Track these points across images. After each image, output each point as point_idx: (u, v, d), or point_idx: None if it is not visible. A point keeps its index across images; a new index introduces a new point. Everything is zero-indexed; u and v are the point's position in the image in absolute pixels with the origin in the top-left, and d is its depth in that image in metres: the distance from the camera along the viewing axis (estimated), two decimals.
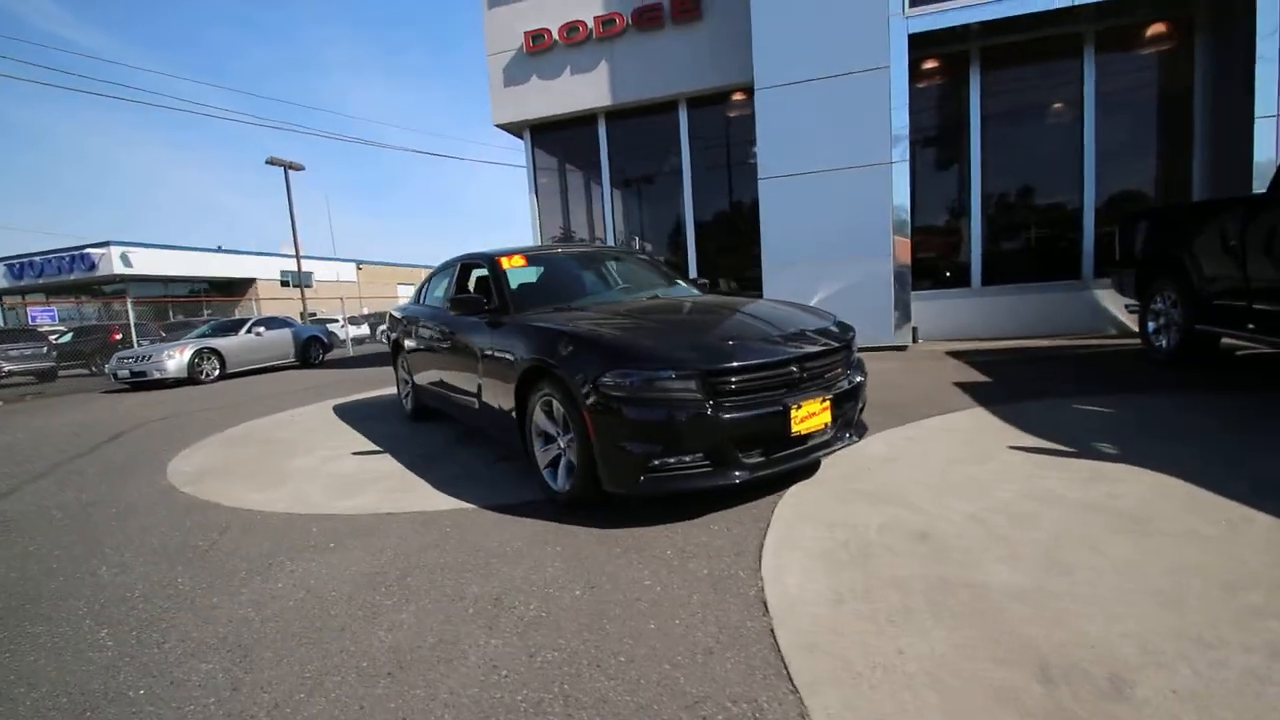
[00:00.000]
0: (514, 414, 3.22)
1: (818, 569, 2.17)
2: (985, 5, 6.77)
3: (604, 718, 1.49)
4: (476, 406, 3.73)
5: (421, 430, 4.90)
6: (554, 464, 3.01)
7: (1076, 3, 6.50)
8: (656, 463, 2.50)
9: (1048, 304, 7.45)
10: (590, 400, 2.57)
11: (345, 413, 6.06)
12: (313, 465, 4.10)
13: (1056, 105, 7.50)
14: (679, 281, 4.32)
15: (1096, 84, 7.24)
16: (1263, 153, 6.04)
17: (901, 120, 6.97)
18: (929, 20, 6.87)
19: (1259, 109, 6.02)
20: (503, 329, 3.40)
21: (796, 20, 7.13)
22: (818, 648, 1.71)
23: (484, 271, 4.07)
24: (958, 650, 1.65)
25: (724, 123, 8.66)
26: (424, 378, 4.73)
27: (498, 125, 9.09)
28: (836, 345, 2.94)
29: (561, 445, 2.94)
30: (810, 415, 2.69)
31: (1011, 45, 7.39)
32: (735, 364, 2.58)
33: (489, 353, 3.46)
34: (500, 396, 3.39)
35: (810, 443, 2.78)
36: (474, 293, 4.21)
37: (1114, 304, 7.17)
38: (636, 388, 2.51)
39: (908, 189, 7.08)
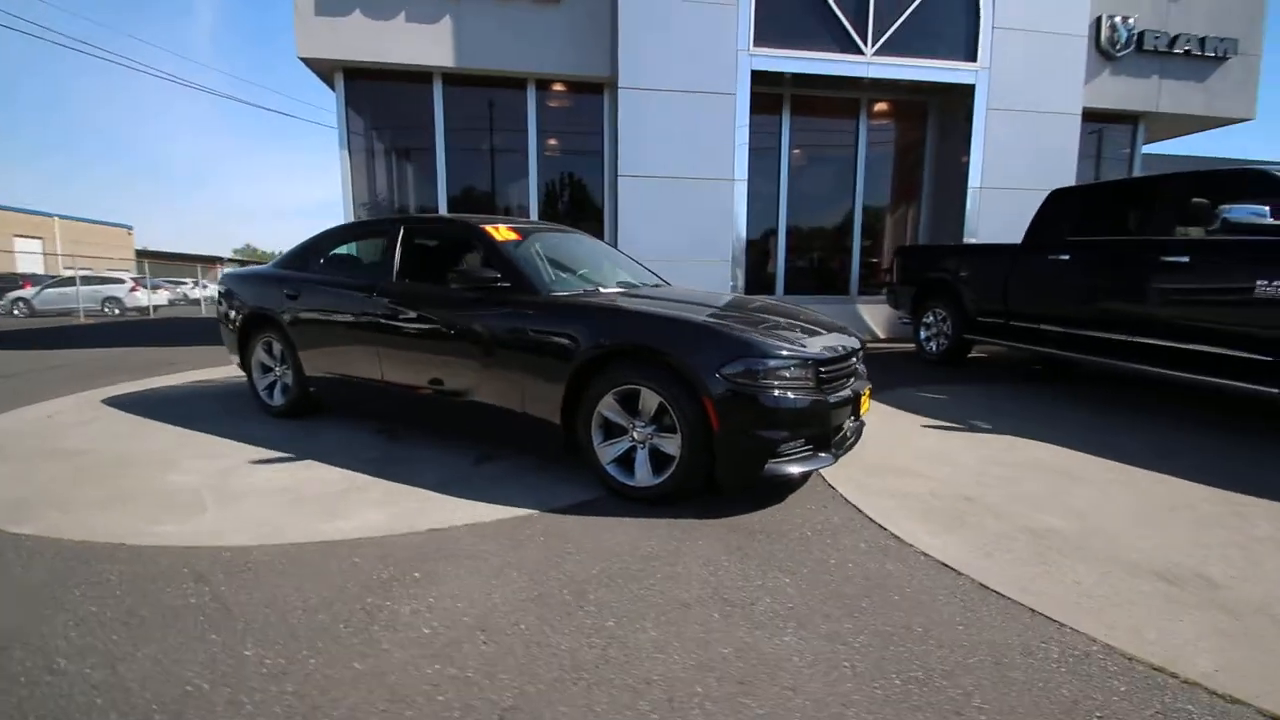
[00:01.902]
0: (556, 406, 2.90)
1: (937, 531, 2.53)
2: (800, 60, 8.03)
3: (995, 685, 1.61)
4: (472, 399, 3.21)
5: (314, 428, 3.93)
6: (621, 459, 2.83)
7: (865, 76, 8.15)
8: (780, 449, 2.59)
9: (829, 314, 9.15)
10: (717, 388, 2.52)
11: (144, 408, 4.42)
12: (207, 481, 3.01)
13: (839, 152, 9.29)
14: (647, 269, 4.30)
15: (866, 141, 9.19)
16: (972, 211, 8.45)
17: (743, 142, 7.88)
18: (765, 61, 7.88)
19: (971, 181, 8.41)
20: (533, 309, 3.02)
21: (661, 30, 7.47)
22: (1029, 590, 2.07)
23: (454, 240, 3.49)
24: (1107, 576, 2.18)
25: (574, 111, 8.57)
26: (332, 364, 3.79)
27: (303, 59, 7.46)
28: (862, 339, 3.37)
29: (637, 437, 2.78)
30: (865, 401, 3.06)
31: (812, 98, 8.91)
32: (832, 354, 2.80)
33: (511, 336, 3.03)
34: (525, 386, 3.01)
35: (856, 425, 3.14)
36: (420, 263, 3.59)
37: (871, 317, 9.20)
38: (766, 375, 2.55)
39: (745, 205, 8.03)
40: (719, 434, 2.55)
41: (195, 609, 1.90)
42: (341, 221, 7.84)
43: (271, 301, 4.02)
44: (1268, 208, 3.83)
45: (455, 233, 3.52)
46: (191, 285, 24.40)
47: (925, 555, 2.32)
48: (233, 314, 4.35)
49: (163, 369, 6.22)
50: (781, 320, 3.05)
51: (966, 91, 8.36)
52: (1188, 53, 9.07)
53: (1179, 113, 9.41)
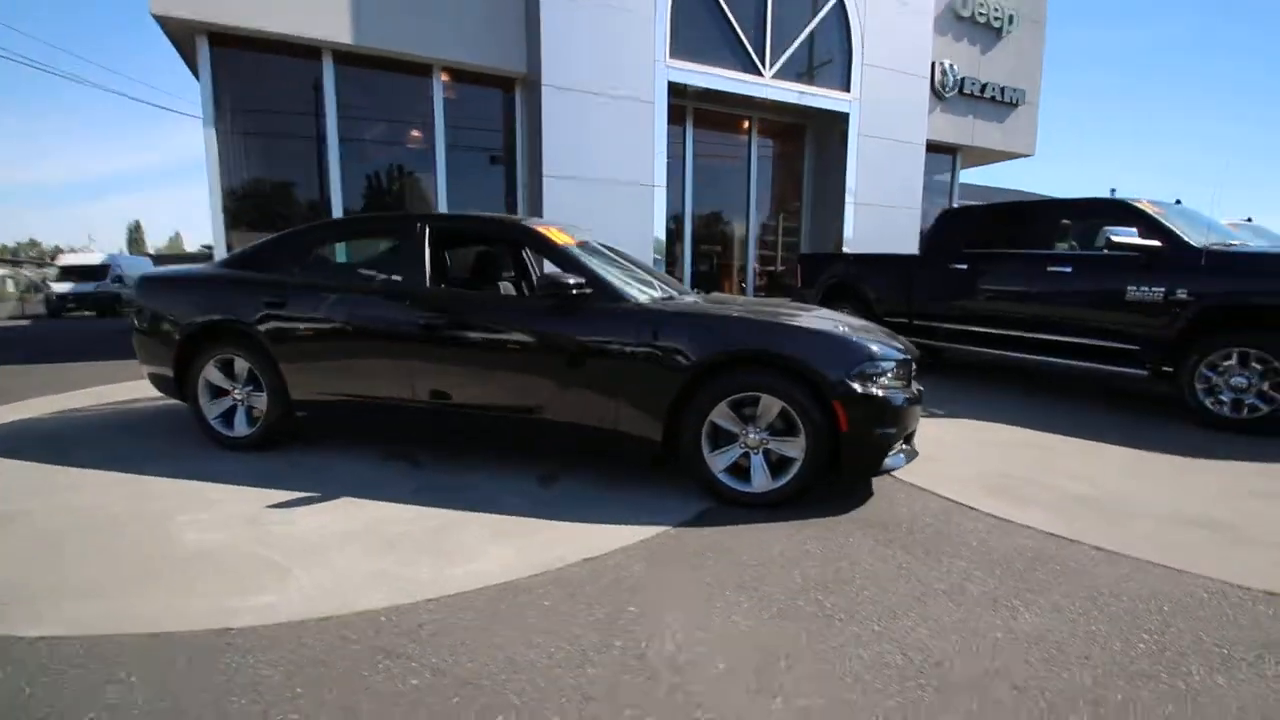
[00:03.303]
0: (659, 417, 2.81)
1: (1018, 506, 2.86)
2: (708, 75, 8.43)
3: (1219, 626, 1.92)
4: (542, 416, 2.96)
5: (301, 459, 3.30)
6: (733, 468, 2.82)
7: (764, 96, 8.80)
8: (893, 445, 2.78)
9: None
10: (847, 391, 2.63)
11: (31, 449, 3.31)
12: (244, 535, 2.41)
13: (734, 164, 9.89)
14: None
15: (757, 156, 9.91)
16: (848, 223, 9.52)
17: (662, 149, 8.06)
18: (679, 74, 8.14)
19: (849, 198, 9.47)
20: (627, 318, 2.88)
21: (584, 32, 7.36)
22: (1135, 548, 2.46)
23: (497, 242, 3.16)
24: (1168, 530, 2.67)
25: (484, 106, 8.05)
26: (336, 384, 3.21)
27: (156, 15, 6.09)
28: None
29: (750, 443, 2.80)
30: None
31: (712, 113, 9.38)
32: (911, 356, 3.04)
33: (603, 346, 2.85)
34: (619, 399, 2.87)
35: None
36: (453, 268, 3.23)
37: None
38: (883, 376, 2.73)
39: (665, 210, 8.22)
40: (847, 434, 2.67)
41: (429, 689, 1.55)
42: (212, 213, 6.64)
43: (240, 311, 3.28)
44: (1136, 229, 4.91)
45: (501, 234, 3.20)
46: None
47: (1032, 528, 2.64)
48: (164, 325, 3.47)
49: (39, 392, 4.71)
50: (858, 324, 3.25)
51: (842, 118, 9.40)
52: (993, 98, 11.11)
53: (986, 147, 11.49)
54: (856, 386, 2.65)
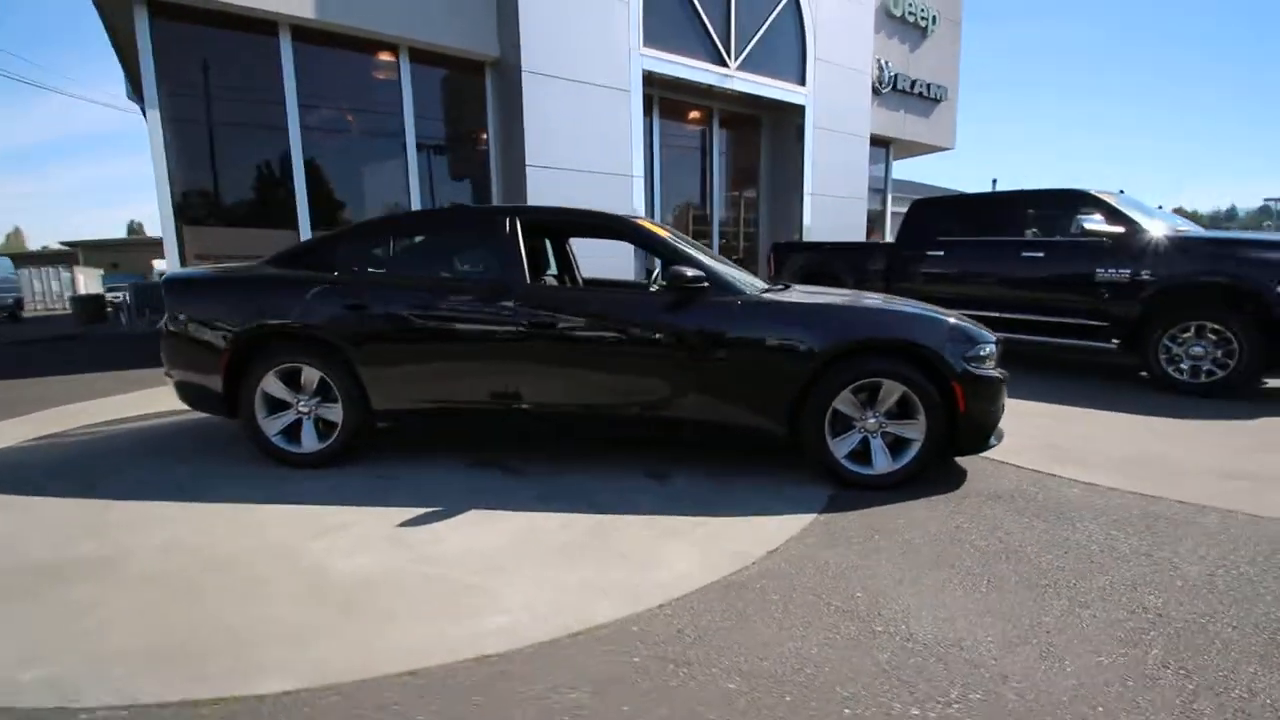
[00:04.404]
0: (783, 407, 2.88)
1: (1093, 472, 3.18)
2: (679, 65, 8.48)
3: None
4: (664, 414, 2.93)
5: (396, 468, 3.07)
6: (854, 453, 2.93)
7: (729, 87, 8.96)
8: (997, 423, 3.00)
9: None
10: (964, 373, 2.81)
11: (74, 479, 2.83)
12: (401, 557, 2.23)
13: (696, 155, 10.01)
14: None
15: (718, 146, 10.08)
16: (806, 212, 9.92)
17: (639, 139, 8.02)
18: (652, 62, 8.12)
19: (806, 188, 9.86)
20: (748, 311, 2.92)
21: (561, 18, 7.17)
22: (1211, 501, 2.82)
23: (594, 235, 3.07)
24: (1212, 483, 3.06)
25: (455, 91, 7.63)
26: (427, 391, 3.01)
27: None
28: None
29: (869, 428, 2.92)
30: None
31: (676, 102, 9.44)
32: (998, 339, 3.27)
33: (730, 340, 2.87)
34: (745, 391, 2.91)
35: None
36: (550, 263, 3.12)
37: None
38: (990, 358, 2.93)
39: (643, 201, 8.20)
40: (964, 414, 2.85)
41: (753, 692, 1.54)
42: (160, 207, 5.93)
43: (313, 314, 2.98)
44: (1101, 216, 5.49)
45: (600, 227, 3.10)
46: None
47: (1119, 490, 2.94)
48: (207, 333, 3.08)
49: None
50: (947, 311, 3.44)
51: (797, 111, 9.76)
52: (921, 94, 11.93)
53: (914, 140, 12.34)
54: (973, 369, 2.83)
